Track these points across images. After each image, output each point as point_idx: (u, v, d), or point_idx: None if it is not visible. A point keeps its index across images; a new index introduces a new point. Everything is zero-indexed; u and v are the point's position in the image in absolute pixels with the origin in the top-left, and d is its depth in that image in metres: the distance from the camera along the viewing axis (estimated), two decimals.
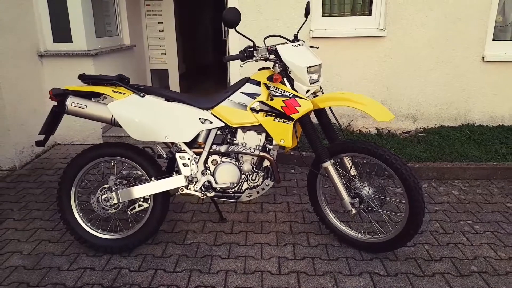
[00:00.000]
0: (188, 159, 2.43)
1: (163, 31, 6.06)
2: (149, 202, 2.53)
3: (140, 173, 2.54)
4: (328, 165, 2.44)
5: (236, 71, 4.42)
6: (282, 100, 2.33)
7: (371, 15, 4.24)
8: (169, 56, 6.18)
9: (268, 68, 2.53)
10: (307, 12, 2.62)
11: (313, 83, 2.38)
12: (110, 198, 2.45)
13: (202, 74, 9.13)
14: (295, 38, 2.57)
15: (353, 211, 2.45)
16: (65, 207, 2.50)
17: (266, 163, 2.49)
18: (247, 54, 2.35)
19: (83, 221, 2.54)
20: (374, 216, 2.80)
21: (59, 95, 2.40)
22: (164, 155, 2.48)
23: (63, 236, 2.74)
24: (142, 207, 2.54)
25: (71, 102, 2.38)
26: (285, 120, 2.35)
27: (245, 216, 3.01)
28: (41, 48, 4.32)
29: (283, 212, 3.06)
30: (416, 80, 4.37)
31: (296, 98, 2.33)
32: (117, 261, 2.47)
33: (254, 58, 2.36)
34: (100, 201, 2.48)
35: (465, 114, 4.43)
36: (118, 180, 2.49)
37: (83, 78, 2.46)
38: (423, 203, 2.27)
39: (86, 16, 4.30)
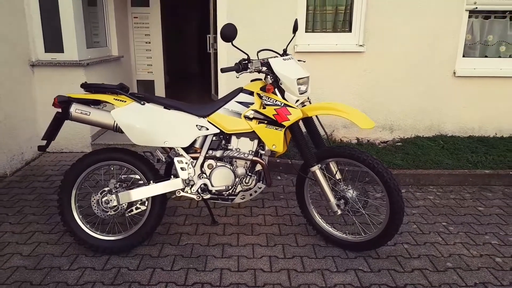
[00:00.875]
0: (186, 163, 2.58)
1: (149, 43, 6.22)
2: (146, 205, 2.66)
3: (138, 177, 2.67)
4: (316, 169, 2.64)
5: (223, 81, 4.61)
6: (274, 109, 2.53)
7: (351, 32, 4.53)
8: (155, 67, 6.33)
9: (260, 79, 2.73)
10: (295, 29, 2.84)
11: (302, 93, 2.58)
12: (110, 200, 2.57)
13: (186, 84, 9.28)
14: (285, 52, 2.78)
15: (339, 212, 2.65)
16: (66, 210, 2.60)
17: (258, 167, 2.67)
18: (242, 66, 2.54)
19: (83, 223, 2.64)
20: (357, 218, 3.00)
21: (63, 102, 2.52)
22: (163, 159, 2.63)
23: (61, 238, 2.83)
24: (139, 210, 2.67)
25: (75, 109, 2.51)
26: (277, 127, 2.54)
27: (235, 219, 3.16)
28: (33, 57, 4.40)
29: (272, 216, 3.23)
30: (393, 93, 4.66)
31: (287, 107, 2.52)
32: (116, 261, 2.58)
33: (248, 70, 2.56)
34: (100, 203, 2.60)
35: (438, 125, 4.74)
36: (118, 183, 2.61)
37: (86, 86, 2.60)
38: (403, 204, 2.49)
39: (78, 27, 4.42)
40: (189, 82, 9.59)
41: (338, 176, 2.74)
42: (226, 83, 4.64)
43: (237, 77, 2.51)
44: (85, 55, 4.58)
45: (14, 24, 4.08)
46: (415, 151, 4.27)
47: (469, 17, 4.53)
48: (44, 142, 2.93)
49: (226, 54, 4.52)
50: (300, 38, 4.53)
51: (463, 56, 4.65)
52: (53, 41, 4.40)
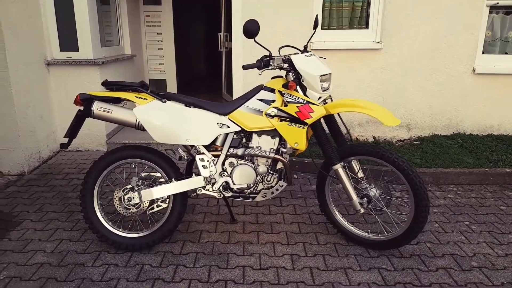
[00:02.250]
0: (207, 161, 2.57)
1: (161, 41, 6.22)
2: (167, 202, 2.65)
3: (159, 175, 2.67)
4: (339, 167, 2.61)
5: (238, 79, 4.59)
6: (297, 106, 2.50)
7: (368, 29, 4.49)
8: (167, 66, 6.34)
9: (281, 76, 2.71)
10: (315, 25, 2.81)
11: (324, 90, 2.56)
12: (133, 198, 2.57)
13: (196, 83, 9.28)
14: (305, 49, 2.76)
15: (362, 210, 2.62)
16: (88, 207, 2.61)
17: (279, 165, 2.65)
18: (263, 63, 2.52)
19: (105, 220, 2.65)
20: (379, 217, 2.97)
21: (85, 100, 2.53)
22: (185, 157, 2.62)
23: (83, 235, 2.84)
24: (160, 207, 2.66)
25: (97, 107, 2.51)
26: (299, 125, 2.52)
27: (254, 217, 3.15)
28: (48, 56, 4.43)
29: (290, 214, 3.21)
30: (410, 91, 4.61)
31: (309, 104, 2.50)
32: (139, 258, 2.58)
33: (270, 67, 2.54)
34: (122, 200, 2.60)
35: (456, 124, 4.68)
36: (140, 181, 2.61)
37: (107, 84, 2.60)
38: (428, 203, 2.45)
39: (93, 26, 4.43)
40: (199, 81, 9.60)
41: (360, 174, 2.71)
42: (242, 81, 4.63)
43: (260, 74, 2.49)
44: (99, 54, 4.60)
45: (30, 24, 4.10)
46: (433, 149, 4.22)
47: (490, 12, 4.46)
48: (65, 140, 2.92)
49: (241, 51, 4.50)
50: (316, 35, 4.50)
51: (483, 53, 4.58)
52: (68, 40, 4.43)
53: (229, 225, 3.03)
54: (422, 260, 2.60)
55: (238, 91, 4.62)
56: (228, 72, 6.61)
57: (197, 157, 2.57)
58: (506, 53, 4.69)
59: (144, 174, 2.69)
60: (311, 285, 2.35)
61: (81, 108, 2.59)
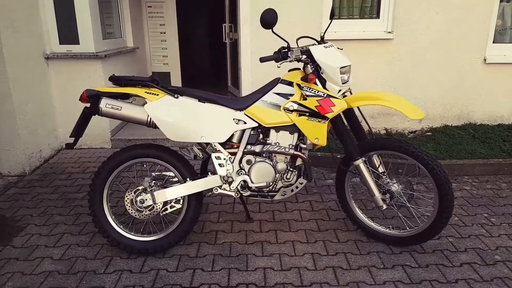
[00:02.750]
0: (224, 159, 2.46)
1: (165, 33, 6.06)
2: (181, 203, 2.54)
3: (172, 174, 2.55)
4: (360, 162, 2.51)
5: (247, 72, 4.46)
6: (316, 100, 2.39)
7: (379, 18, 4.36)
8: (171, 59, 6.18)
9: (299, 69, 2.59)
10: (332, 15, 2.69)
11: (344, 83, 2.45)
12: (145, 199, 2.46)
13: (200, 76, 9.11)
14: (322, 40, 2.64)
15: (384, 206, 2.53)
16: (98, 210, 2.49)
17: (298, 162, 2.55)
18: (281, 55, 2.40)
19: (116, 224, 2.53)
20: (400, 212, 2.88)
21: (92, 97, 2.40)
22: (200, 156, 2.50)
23: (92, 240, 2.72)
24: (174, 208, 2.55)
25: (105, 104, 2.38)
26: (320, 120, 2.41)
27: (270, 215, 3.05)
28: (47, 50, 4.26)
29: (307, 211, 3.11)
30: (422, 81, 4.51)
31: (330, 98, 2.39)
32: (153, 263, 2.47)
33: (288, 59, 2.42)
34: (134, 203, 2.49)
35: (467, 114, 4.60)
36: (153, 181, 2.50)
37: (114, 79, 2.46)
38: (453, 197, 2.37)
39: (94, 17, 4.26)
40: (203, 74, 9.42)
41: (381, 169, 2.61)
42: (250, 74, 4.49)
43: (278, 67, 2.37)
44: (101, 47, 4.44)
45: (28, 16, 3.93)
46: (446, 140, 4.14)
47: (501, 1, 4.35)
48: (71, 140, 2.80)
49: (249, 42, 4.36)
50: (326, 25, 4.36)
51: (493, 42, 4.48)
52: (68, 32, 4.26)
53: (245, 224, 2.93)
54: (446, 256, 2.53)
55: (246, 84, 4.50)
56: (233, 64, 6.47)
57: (213, 155, 2.46)
58: None
59: (156, 173, 2.58)
60: (336, 286, 2.26)
61: (87, 105, 2.46)
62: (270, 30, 2.30)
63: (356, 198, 3.23)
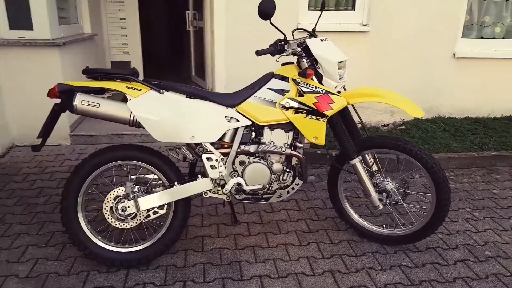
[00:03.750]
0: (216, 160, 2.25)
1: (125, 19, 5.63)
2: (165, 208, 2.31)
3: (155, 177, 2.32)
4: (357, 161, 2.42)
5: (221, 65, 4.23)
6: (314, 97, 2.26)
7: (354, 11, 4.30)
8: (131, 47, 5.77)
9: (292, 62, 2.43)
10: (322, 6, 2.55)
11: (340, 79, 2.33)
12: (128, 207, 2.21)
13: (162, 67, 8.67)
14: (313, 32, 2.50)
15: (381, 206, 2.47)
16: (72, 220, 2.21)
17: (293, 162, 2.40)
18: (278, 48, 2.24)
19: (93, 234, 2.26)
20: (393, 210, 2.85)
21: (65, 92, 2.09)
22: (191, 157, 2.28)
23: (62, 252, 2.42)
24: (157, 215, 2.32)
25: (81, 100, 2.09)
26: (318, 117, 2.27)
27: (257, 216, 2.90)
28: None
29: (295, 210, 2.99)
30: (394, 75, 4.53)
31: (329, 94, 2.26)
32: (137, 276, 2.24)
33: (285, 53, 2.26)
34: (114, 210, 2.22)
35: (437, 107, 4.69)
36: (136, 186, 2.25)
37: (89, 72, 2.17)
38: (450, 195, 2.34)
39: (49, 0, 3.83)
40: (165, 62, 8.98)
41: (374, 167, 2.54)
42: (224, 67, 4.25)
43: (277, 61, 2.20)
44: (58, 33, 4.01)
45: None
46: (419, 134, 4.19)
47: None
48: (37, 141, 2.43)
49: (224, 31, 4.12)
50: (303, 16, 4.23)
51: (462, 37, 4.58)
52: (19, 16, 3.78)
53: (232, 227, 2.75)
54: (439, 253, 2.51)
55: (220, 76, 4.26)
56: (197, 53, 6.19)
57: (204, 157, 2.25)
58: (481, 37, 4.73)
59: (134, 177, 2.32)
60: None
61: (57, 101, 2.15)
62: (269, 21, 2.11)
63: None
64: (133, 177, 2.33)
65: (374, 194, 2.45)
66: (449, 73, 4.61)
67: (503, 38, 4.77)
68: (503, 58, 4.67)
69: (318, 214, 2.94)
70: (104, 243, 2.27)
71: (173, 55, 9.29)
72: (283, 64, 2.45)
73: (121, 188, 2.24)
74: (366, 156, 2.52)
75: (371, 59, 4.45)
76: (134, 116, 2.15)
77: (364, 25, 4.34)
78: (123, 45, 5.83)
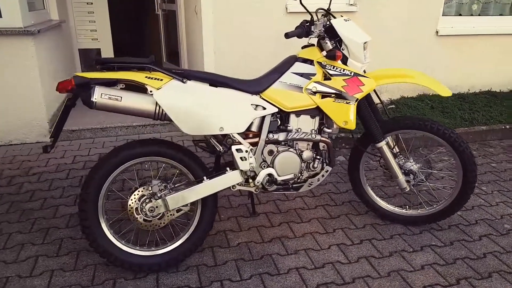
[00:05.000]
0: (246, 151, 2.12)
1: (92, 3, 5.23)
2: (189, 205, 2.16)
3: (179, 172, 2.15)
4: (383, 144, 2.38)
5: (210, 50, 4.03)
6: (343, 79, 2.17)
7: None
8: (101, 33, 5.38)
9: (313, 44, 2.32)
10: None
11: (365, 60, 2.26)
12: (156, 207, 2.04)
13: (132, 53, 8.20)
14: (328, 11, 2.38)
15: (408, 188, 2.45)
16: (93, 225, 2.01)
17: (320, 148, 2.32)
18: (306, 30, 2.12)
19: (117, 239, 2.07)
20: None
21: (82, 85, 1.87)
22: (221, 150, 2.13)
23: (78, 260, 2.21)
24: (181, 212, 2.17)
25: (101, 94, 1.87)
26: (347, 101, 2.19)
27: (273, 206, 2.80)
28: None
29: (309, 197, 2.93)
30: (381, 54, 4.52)
31: (358, 77, 2.19)
32: (169, 280, 2.08)
33: (314, 34, 2.15)
34: (140, 211, 2.05)
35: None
36: (163, 184, 2.07)
37: (103, 62, 1.95)
38: (477, 174, 2.36)
39: None
40: (136, 49, 8.50)
41: (396, 149, 2.51)
42: (213, 49, 4.04)
43: (308, 43, 2.08)
44: (28, 21, 3.63)
45: None
46: (411, 112, 4.24)
47: None
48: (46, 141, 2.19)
49: (211, 14, 3.90)
50: None
51: (442, 15, 4.65)
52: None
53: (251, 219, 2.65)
54: (462, 230, 2.55)
55: (209, 61, 4.06)
56: (168, 38, 5.90)
57: (233, 148, 2.10)
58: (460, 15, 4.83)
59: (159, 174, 2.15)
60: (378, 278, 2.13)
61: (70, 96, 1.92)
62: (299, 1, 1.98)
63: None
64: (152, 174, 2.15)
65: (401, 176, 2.43)
66: (433, 51, 4.68)
67: (479, 15, 4.90)
68: (481, 34, 4.79)
69: (334, 199, 2.90)
70: (130, 247, 2.09)
71: (143, 40, 8.82)
72: (303, 47, 2.34)
73: (146, 187, 2.06)
74: (388, 138, 2.49)
75: None
76: (160, 108, 1.96)
77: (351, 4, 4.29)
78: (91, 32, 5.43)
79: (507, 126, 4.01)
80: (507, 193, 3.01)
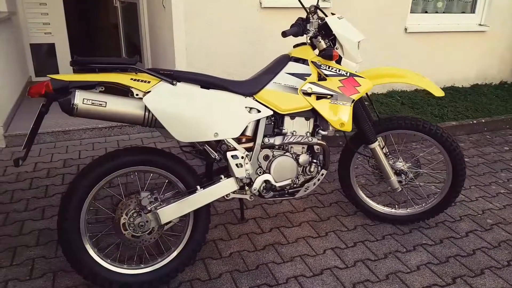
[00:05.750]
0: (241, 157, 1.99)
1: None
2: (180, 216, 2.00)
3: (166, 181, 1.99)
4: (376, 145, 2.34)
5: (181, 46, 3.82)
6: (339, 80, 2.10)
7: None
8: (55, 26, 4.99)
9: (305, 43, 2.23)
10: None
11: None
12: (147, 221, 1.86)
13: (85, 47, 7.72)
14: (316, 8, 2.29)
15: (400, 188, 2.44)
16: (75, 244, 1.80)
17: (315, 151, 2.24)
18: (302, 28, 2.02)
19: (101, 258, 1.88)
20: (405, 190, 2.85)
21: (60, 89, 1.65)
22: (217, 157, 1.98)
23: (55, 283, 1.99)
24: (171, 224, 2.01)
25: (83, 99, 1.66)
26: (344, 102, 2.12)
27: (261, 210, 2.70)
28: None
29: (296, 199, 2.85)
30: None
31: (354, 77, 2.12)
32: None
33: (311, 33, 2.05)
34: (128, 227, 1.86)
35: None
36: (153, 196, 1.89)
37: (79, 63, 1.73)
38: (465, 174, 2.39)
39: None
40: (94, 44, 7.99)
41: (385, 149, 2.49)
42: (185, 46, 3.84)
43: (308, 42, 1.98)
44: None
45: None
46: (383, 109, 4.28)
47: None
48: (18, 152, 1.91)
49: (182, 8, 3.70)
50: None
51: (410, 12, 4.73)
52: None
53: (240, 225, 2.52)
54: (449, 227, 2.58)
55: (180, 59, 3.85)
56: (127, 31, 5.61)
57: (229, 155, 1.97)
58: (426, 12, 4.95)
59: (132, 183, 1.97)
60: (378, 282, 2.09)
61: (43, 101, 1.69)
62: None
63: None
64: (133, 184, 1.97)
65: (393, 177, 2.41)
66: (402, 47, 4.76)
67: (443, 12, 5.05)
68: (445, 31, 4.94)
69: (322, 201, 2.84)
70: (116, 266, 1.90)
71: (101, 33, 8.32)
72: (295, 46, 2.24)
73: (133, 199, 1.88)
74: (379, 138, 2.46)
75: None
76: (149, 113, 1.78)
77: (324, 1, 4.24)
78: (44, 25, 5.02)
79: (475, 121, 4.16)
80: (484, 187, 3.10)
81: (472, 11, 5.15)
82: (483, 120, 4.21)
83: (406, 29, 4.68)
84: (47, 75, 1.70)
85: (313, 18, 2.09)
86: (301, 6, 2.04)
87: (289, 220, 2.60)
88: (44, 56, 5.10)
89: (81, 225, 1.81)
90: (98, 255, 1.87)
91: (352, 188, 2.58)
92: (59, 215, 1.78)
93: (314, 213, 2.69)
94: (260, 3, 3.99)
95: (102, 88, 1.79)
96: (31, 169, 3.12)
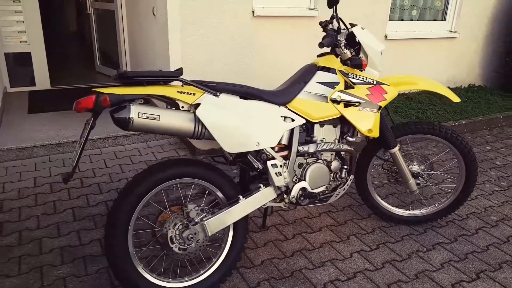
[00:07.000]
0: (280, 166, 2.01)
1: (19, 1, 4.58)
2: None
3: (214, 193, 1.97)
4: (396, 150, 2.44)
5: (177, 54, 3.77)
6: (367, 88, 2.18)
7: None
8: (31, 34, 4.75)
9: (328, 53, 2.29)
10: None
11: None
12: (195, 233, 1.83)
13: (66, 57, 7.36)
14: (333, 19, 2.36)
15: (417, 191, 2.55)
16: (124, 263, 1.74)
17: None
18: (334, 39, 2.09)
19: (149, 273, 1.83)
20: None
21: (116, 103, 1.60)
22: (260, 167, 1.98)
23: None
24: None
25: (138, 113, 1.62)
26: (372, 109, 2.21)
27: (278, 217, 2.72)
28: None
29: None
30: None
31: (381, 85, 2.21)
32: None
33: (341, 43, 2.12)
34: (175, 240, 1.83)
35: None
36: (201, 208, 1.87)
37: (128, 76, 1.68)
38: (477, 176, 2.54)
39: None
40: (71, 52, 7.62)
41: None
42: (181, 54, 3.80)
43: (339, 55, 2.05)
44: None
45: None
46: None
47: None
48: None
49: (179, 16, 3.65)
50: (256, 0, 4.01)
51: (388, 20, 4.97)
52: None
53: (262, 233, 2.53)
54: (459, 225, 2.73)
55: (176, 67, 3.80)
56: (102, 39, 5.48)
57: (269, 164, 1.98)
58: (402, 20, 5.21)
59: (175, 195, 1.95)
60: (409, 281, 2.18)
61: (88, 116, 1.64)
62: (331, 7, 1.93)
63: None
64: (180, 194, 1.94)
65: (412, 180, 2.52)
66: (384, 54, 4.98)
67: (418, 20, 5.34)
68: (419, 38, 5.22)
69: (334, 205, 2.91)
70: (161, 280, 1.86)
71: (75, 41, 7.98)
72: (319, 55, 2.30)
73: (179, 212, 1.85)
74: None
75: (316, 43, 4.51)
76: (199, 125, 1.76)
77: (312, 9, 4.35)
78: (19, 33, 4.77)
79: (456, 123, 4.42)
80: (479, 185, 3.31)
81: (443, 18, 5.48)
82: (464, 122, 4.48)
83: (386, 36, 4.89)
84: (93, 90, 1.63)
85: (341, 29, 2.16)
86: (342, 23, 2.13)
87: (308, 226, 2.64)
88: (19, 65, 4.84)
89: (129, 244, 1.76)
90: (144, 270, 1.82)
91: (368, 191, 2.67)
92: (106, 231, 1.71)
93: (330, 217, 2.75)
94: (253, 12, 4.03)
95: (141, 101, 1.76)
96: (32, 184, 2.96)
